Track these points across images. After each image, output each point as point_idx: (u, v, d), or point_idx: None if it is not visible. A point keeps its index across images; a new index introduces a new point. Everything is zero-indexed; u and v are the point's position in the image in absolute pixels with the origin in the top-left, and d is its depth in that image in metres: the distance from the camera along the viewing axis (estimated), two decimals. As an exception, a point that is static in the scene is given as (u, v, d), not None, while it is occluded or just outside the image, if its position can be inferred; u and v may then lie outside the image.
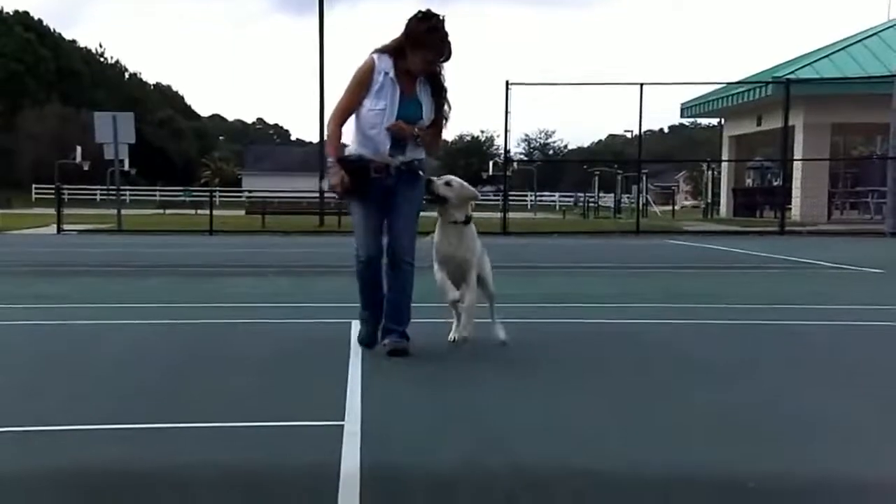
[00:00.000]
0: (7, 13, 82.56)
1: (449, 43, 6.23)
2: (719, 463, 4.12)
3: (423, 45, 6.13)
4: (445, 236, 6.44)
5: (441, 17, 6.19)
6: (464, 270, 6.42)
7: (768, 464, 4.11)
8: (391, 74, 6.22)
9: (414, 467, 4.01)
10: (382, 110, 6.21)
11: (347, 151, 6.40)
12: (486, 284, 6.68)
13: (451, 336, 6.57)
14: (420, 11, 6.18)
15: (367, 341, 6.56)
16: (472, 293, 6.44)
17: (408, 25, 6.18)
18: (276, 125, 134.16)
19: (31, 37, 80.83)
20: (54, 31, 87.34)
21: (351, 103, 6.32)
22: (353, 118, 6.40)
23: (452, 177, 6.64)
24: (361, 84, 6.28)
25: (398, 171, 6.30)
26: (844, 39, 40.07)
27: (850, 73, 33.51)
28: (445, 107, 6.48)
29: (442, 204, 6.41)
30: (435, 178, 6.47)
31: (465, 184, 6.57)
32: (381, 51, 6.30)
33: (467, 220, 6.45)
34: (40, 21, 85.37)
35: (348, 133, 6.46)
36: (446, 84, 6.46)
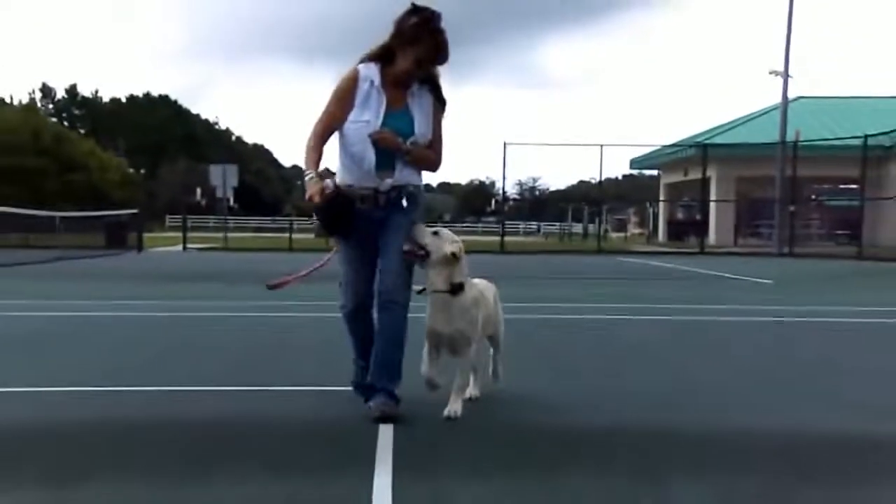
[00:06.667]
0: (154, 96, 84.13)
1: (445, 42, 3.94)
2: (638, 420, 4.14)
3: (413, 41, 3.90)
4: (431, 307, 3.93)
5: (436, 13, 3.94)
6: (456, 347, 3.98)
7: (669, 419, 4.13)
8: (377, 83, 3.99)
9: (438, 416, 3.91)
10: (367, 122, 3.95)
11: (331, 181, 4.05)
12: (495, 341, 4.42)
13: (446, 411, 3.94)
14: (412, 4, 3.97)
15: (363, 383, 4.14)
16: (465, 374, 4.07)
17: (397, 21, 3.96)
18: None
19: (168, 113, 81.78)
20: (184, 106, 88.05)
21: (330, 120, 4.02)
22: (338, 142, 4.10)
23: (445, 230, 4.06)
24: (342, 97, 4.00)
25: (388, 199, 3.99)
26: (750, 113, 40.06)
27: (753, 139, 33.48)
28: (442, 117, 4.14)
29: (421, 260, 3.89)
30: (422, 226, 3.96)
31: (457, 240, 3.96)
32: (368, 58, 4.07)
33: (455, 290, 3.87)
34: (175, 101, 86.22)
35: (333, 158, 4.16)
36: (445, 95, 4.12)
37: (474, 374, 4.28)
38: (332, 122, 4.02)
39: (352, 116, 3.98)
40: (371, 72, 4.00)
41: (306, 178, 3.90)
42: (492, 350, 4.43)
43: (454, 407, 3.93)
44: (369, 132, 3.93)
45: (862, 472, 3.31)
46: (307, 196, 3.91)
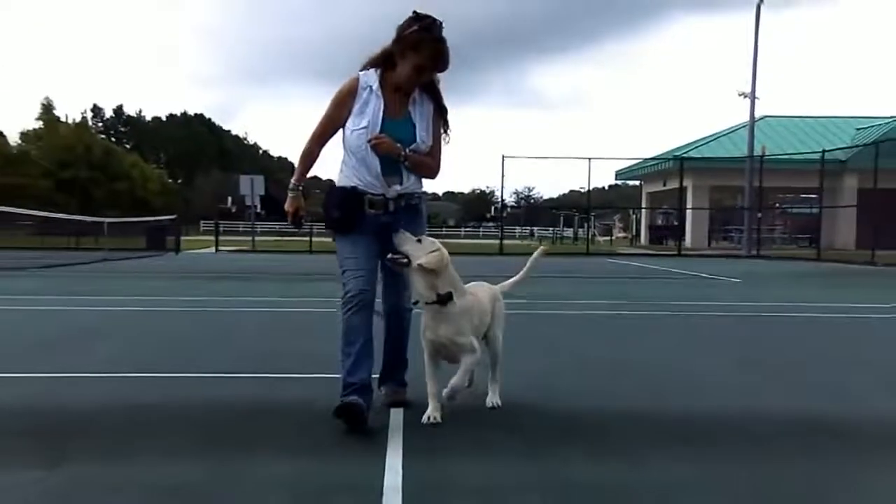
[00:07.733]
0: (191, 114, 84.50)
1: (446, 51, 3.52)
2: (630, 405, 4.06)
3: (414, 48, 3.50)
4: (425, 316, 3.52)
5: (438, 21, 3.52)
6: (451, 356, 3.58)
7: (656, 403, 4.05)
8: (375, 88, 3.60)
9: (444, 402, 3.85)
10: (366, 128, 3.57)
11: (339, 183, 3.68)
12: (493, 344, 3.87)
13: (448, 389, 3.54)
14: (414, 11, 3.54)
15: (359, 415, 3.39)
16: (463, 375, 3.54)
17: (399, 28, 3.56)
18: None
19: (203, 130, 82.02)
20: (217, 124, 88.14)
21: (327, 124, 3.66)
22: (342, 149, 3.71)
23: (430, 238, 3.52)
24: (340, 103, 3.62)
25: (397, 205, 3.61)
26: (721, 130, 39.96)
27: (724, 153, 33.58)
28: (445, 131, 3.76)
29: (404, 267, 3.44)
30: (405, 233, 3.46)
31: (443, 250, 3.43)
32: (368, 64, 3.67)
33: (443, 300, 3.41)
34: (209, 119, 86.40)
35: (333, 162, 3.82)
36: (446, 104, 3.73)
37: (472, 373, 3.97)
38: (328, 126, 3.66)
39: (352, 124, 3.61)
40: (370, 78, 3.63)
41: (289, 192, 3.69)
42: (490, 365, 3.87)
43: (433, 413, 3.51)
44: (368, 138, 3.56)
45: (847, 453, 3.23)
46: (285, 208, 3.70)
